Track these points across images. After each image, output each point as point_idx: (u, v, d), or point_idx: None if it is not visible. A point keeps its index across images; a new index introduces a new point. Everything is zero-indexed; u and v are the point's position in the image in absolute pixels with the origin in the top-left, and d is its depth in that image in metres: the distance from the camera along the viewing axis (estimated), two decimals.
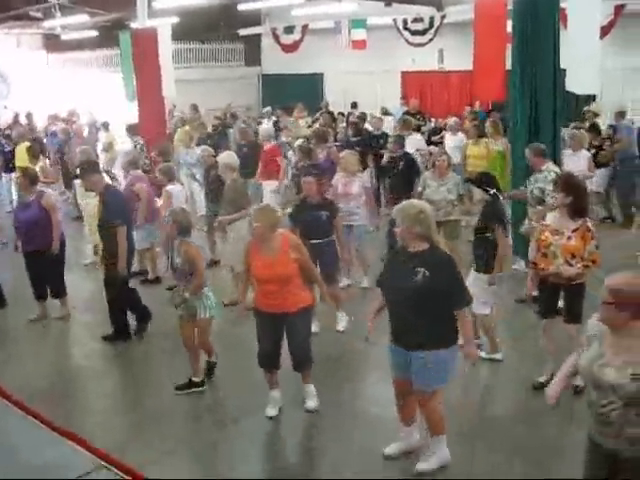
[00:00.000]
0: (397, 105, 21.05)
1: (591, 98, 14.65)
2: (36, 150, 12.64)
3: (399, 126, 13.62)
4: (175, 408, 6.76)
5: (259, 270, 6.17)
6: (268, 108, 20.78)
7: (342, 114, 19.73)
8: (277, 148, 12.94)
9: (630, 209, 12.66)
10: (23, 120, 20.71)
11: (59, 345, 8.76)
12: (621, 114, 15.39)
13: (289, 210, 8.71)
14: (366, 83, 24.41)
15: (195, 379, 7.07)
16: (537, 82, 9.73)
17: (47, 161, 13.45)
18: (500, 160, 11.69)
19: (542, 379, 6.66)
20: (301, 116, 19.25)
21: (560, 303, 6.77)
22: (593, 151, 12.47)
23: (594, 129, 13.60)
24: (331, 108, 21.22)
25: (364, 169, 12.18)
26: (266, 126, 15.12)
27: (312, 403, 6.55)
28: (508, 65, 10.72)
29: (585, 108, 15.65)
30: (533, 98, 9.74)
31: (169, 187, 9.75)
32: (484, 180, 7.63)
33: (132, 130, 15.10)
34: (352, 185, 9.48)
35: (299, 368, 6.46)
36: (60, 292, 9.20)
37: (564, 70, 10.15)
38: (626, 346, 3.79)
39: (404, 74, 24.20)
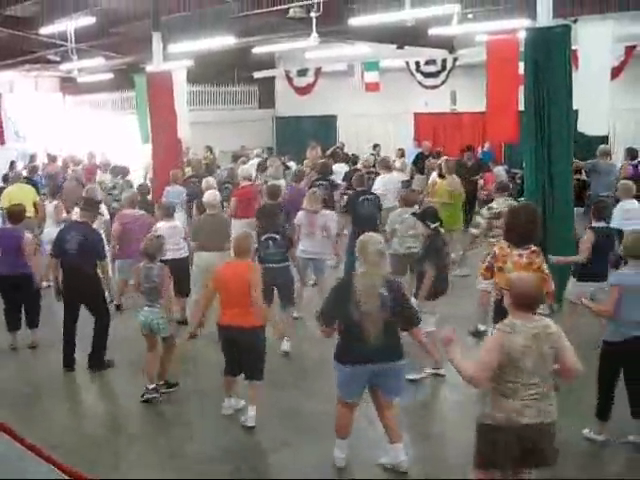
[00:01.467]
0: (411, 147, 21.16)
1: (604, 139, 14.61)
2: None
3: (379, 166, 14.47)
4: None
5: (222, 274, 7.07)
6: (258, 150, 20.94)
7: (355, 155, 19.83)
8: (253, 188, 13.32)
9: None
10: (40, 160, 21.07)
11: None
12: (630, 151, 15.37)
13: None
14: (379, 125, 24.55)
15: (149, 386, 7.66)
16: (550, 123, 9.73)
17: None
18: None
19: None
20: (315, 158, 19.06)
21: None
22: None
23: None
24: (345, 150, 21.37)
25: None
26: (246, 166, 15.22)
27: (251, 421, 6.99)
28: (521, 106, 10.78)
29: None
30: (545, 139, 9.74)
31: (159, 224, 10.21)
32: (427, 214, 8.36)
33: (116, 172, 15.32)
34: (316, 221, 10.04)
35: (249, 377, 7.11)
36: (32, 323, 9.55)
37: (575, 111, 10.17)
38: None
39: (417, 115, 24.32)
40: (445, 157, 14.87)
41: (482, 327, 9.18)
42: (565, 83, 9.72)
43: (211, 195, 10.52)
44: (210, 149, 19.51)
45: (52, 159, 20.78)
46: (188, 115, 17.27)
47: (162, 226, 10.04)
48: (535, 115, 9.79)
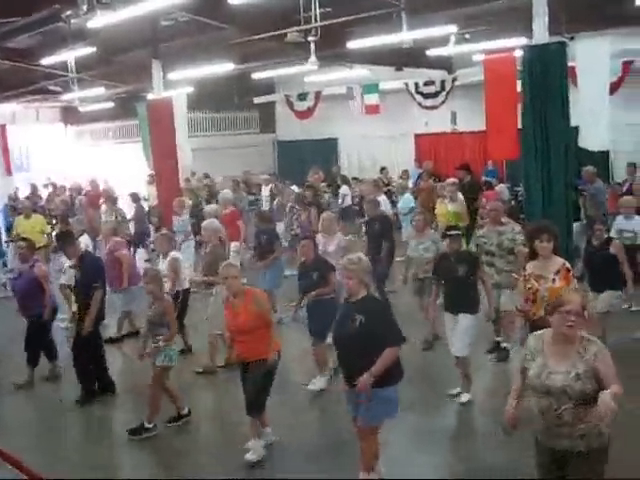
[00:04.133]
0: (413, 168, 21.24)
1: (605, 154, 14.63)
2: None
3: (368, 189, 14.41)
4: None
5: (227, 320, 6.92)
6: (266, 176, 21.00)
7: (357, 179, 19.84)
8: (236, 213, 13.49)
9: None
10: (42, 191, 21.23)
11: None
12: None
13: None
14: (380, 147, 24.63)
15: (147, 425, 7.49)
16: (548, 140, 9.77)
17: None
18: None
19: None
20: (319, 181, 19.15)
21: None
22: None
23: None
24: (346, 172, 21.40)
25: None
26: (225, 191, 15.22)
27: (251, 455, 6.74)
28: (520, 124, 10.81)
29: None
30: (545, 155, 9.77)
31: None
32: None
33: (114, 201, 15.47)
34: (330, 243, 9.93)
35: (247, 412, 6.79)
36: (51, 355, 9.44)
37: (576, 127, 10.21)
38: (563, 353, 4.41)
39: (417, 136, 24.39)
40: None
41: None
42: (562, 99, 9.77)
43: (213, 223, 10.38)
44: (207, 175, 19.48)
45: (61, 189, 20.89)
46: (189, 141, 17.34)
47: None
48: (533, 132, 9.84)
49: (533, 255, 6.89)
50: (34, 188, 21.72)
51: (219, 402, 8.79)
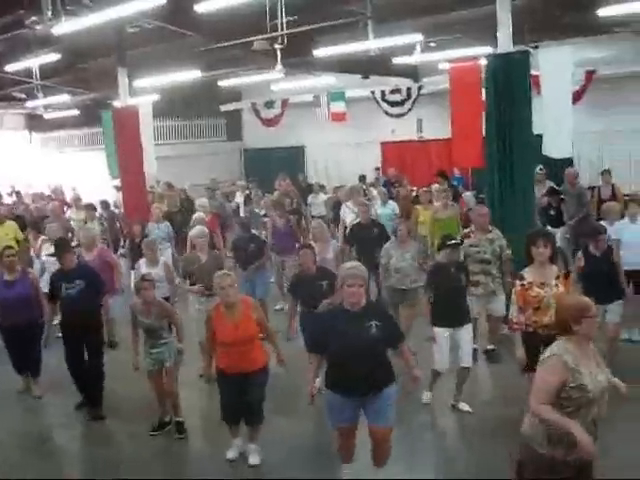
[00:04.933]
0: (374, 175, 21.42)
1: (567, 162, 14.83)
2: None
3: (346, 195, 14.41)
4: None
5: (224, 334, 6.51)
6: (241, 182, 20.96)
7: (322, 185, 19.85)
8: (215, 220, 13.52)
9: None
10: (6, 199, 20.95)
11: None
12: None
13: None
14: (347, 154, 24.73)
15: (166, 419, 7.69)
16: (512, 147, 9.88)
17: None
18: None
19: None
20: (286, 189, 18.98)
21: None
22: None
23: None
24: (313, 180, 21.45)
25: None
26: (203, 199, 15.09)
27: (255, 459, 6.81)
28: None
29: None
30: (508, 163, 9.88)
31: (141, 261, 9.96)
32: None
33: (93, 208, 15.22)
34: (327, 251, 9.84)
35: (250, 423, 6.85)
36: (36, 370, 9.14)
37: (540, 135, 10.34)
38: (587, 355, 4.44)
39: (384, 144, 24.52)
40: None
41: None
42: (526, 107, 9.88)
43: (202, 230, 9.98)
44: (169, 184, 19.18)
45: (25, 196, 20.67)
46: (154, 149, 17.25)
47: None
48: (497, 139, 9.94)
49: (529, 261, 6.89)
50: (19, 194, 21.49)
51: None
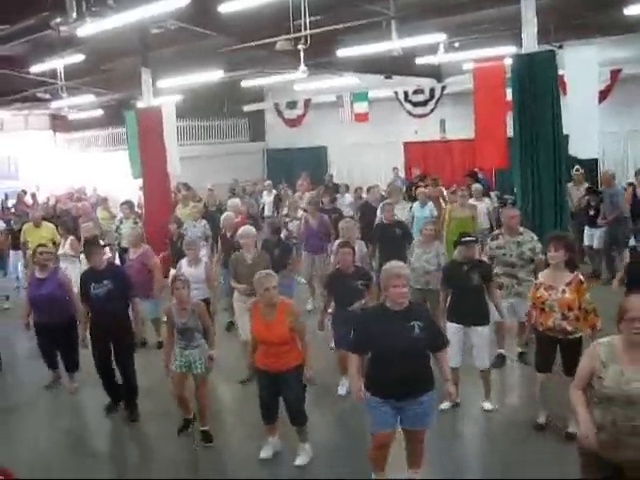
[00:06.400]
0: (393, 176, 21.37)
1: (594, 162, 14.74)
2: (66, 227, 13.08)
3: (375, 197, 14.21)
4: None
5: (257, 332, 6.68)
6: (269, 182, 20.94)
7: (347, 186, 19.83)
8: (244, 220, 13.03)
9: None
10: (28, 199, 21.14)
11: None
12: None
13: None
14: (370, 155, 24.66)
15: (188, 417, 7.67)
16: (538, 148, 9.80)
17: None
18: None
19: (540, 420, 7.14)
20: (307, 189, 18.99)
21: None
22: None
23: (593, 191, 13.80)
24: (336, 180, 21.41)
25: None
26: (235, 199, 14.98)
27: (301, 460, 6.80)
28: (510, 132, 10.84)
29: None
30: (535, 164, 9.79)
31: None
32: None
33: (132, 206, 15.16)
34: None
35: (293, 422, 6.81)
36: (73, 366, 9.13)
37: (566, 136, 10.24)
38: (636, 357, 4.33)
39: (406, 145, 24.43)
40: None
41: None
42: (552, 107, 9.80)
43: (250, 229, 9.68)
44: (187, 185, 19.15)
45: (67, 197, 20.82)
46: (178, 150, 17.28)
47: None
48: (524, 140, 9.86)
49: (548, 264, 6.90)
50: (20, 196, 21.61)
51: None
